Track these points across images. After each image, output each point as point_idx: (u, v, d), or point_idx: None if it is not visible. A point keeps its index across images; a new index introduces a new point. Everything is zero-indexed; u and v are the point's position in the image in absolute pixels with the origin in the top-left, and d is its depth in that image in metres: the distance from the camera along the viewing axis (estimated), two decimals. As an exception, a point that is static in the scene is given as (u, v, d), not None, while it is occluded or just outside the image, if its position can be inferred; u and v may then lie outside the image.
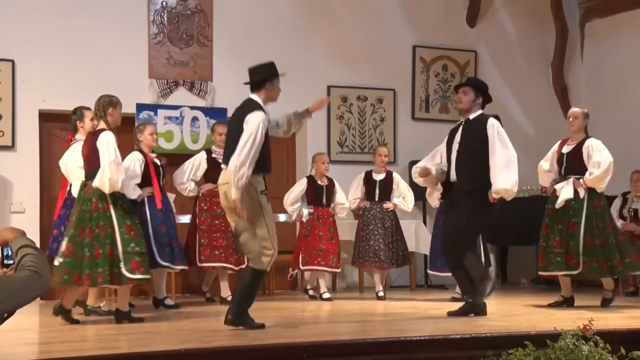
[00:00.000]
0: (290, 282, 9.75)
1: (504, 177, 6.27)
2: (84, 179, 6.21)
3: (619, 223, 8.99)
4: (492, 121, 6.46)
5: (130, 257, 5.97)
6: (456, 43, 10.72)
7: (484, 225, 6.65)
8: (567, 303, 7.24)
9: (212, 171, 7.96)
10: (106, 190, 5.96)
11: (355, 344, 4.86)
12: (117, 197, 6.08)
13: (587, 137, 7.26)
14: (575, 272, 7.02)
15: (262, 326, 5.51)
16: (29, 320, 6.42)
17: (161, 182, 7.53)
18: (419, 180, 6.97)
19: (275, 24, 9.79)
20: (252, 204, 5.55)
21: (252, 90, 5.88)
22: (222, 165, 5.78)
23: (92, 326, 6.07)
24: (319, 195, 8.41)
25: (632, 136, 9.98)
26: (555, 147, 7.42)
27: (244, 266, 7.85)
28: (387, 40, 10.35)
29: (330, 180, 8.54)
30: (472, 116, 6.52)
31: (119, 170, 6.01)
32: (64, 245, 6.05)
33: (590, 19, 10.87)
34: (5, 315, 2.80)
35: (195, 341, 5.00)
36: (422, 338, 4.98)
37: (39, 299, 8.26)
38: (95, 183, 5.98)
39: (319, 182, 8.43)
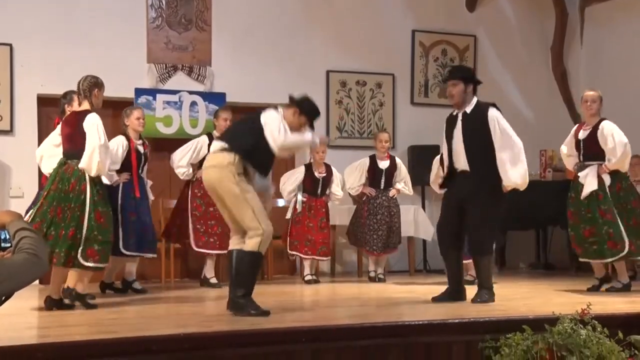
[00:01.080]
0: (289, 267, 9.77)
1: (514, 171, 6.22)
2: (62, 157, 6.10)
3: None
4: (492, 113, 6.31)
5: (89, 244, 5.89)
6: (455, 28, 10.69)
7: (501, 215, 6.51)
8: (605, 282, 7.24)
9: None
10: (92, 172, 5.89)
11: (354, 328, 4.87)
12: (96, 182, 6.01)
13: (601, 119, 7.20)
14: (623, 254, 6.98)
15: (267, 313, 5.40)
16: (27, 304, 6.43)
17: (140, 170, 7.51)
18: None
19: (274, 9, 9.75)
20: (231, 187, 5.50)
21: (288, 104, 5.82)
22: (215, 143, 5.77)
23: (91, 311, 6.07)
24: (315, 186, 8.44)
25: (632, 121, 9.94)
26: (572, 131, 7.38)
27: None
28: (386, 24, 10.32)
29: (329, 170, 8.52)
30: (469, 109, 6.36)
31: (107, 155, 5.98)
32: (28, 218, 5.88)
33: (589, 3, 10.84)
34: (3, 298, 2.80)
35: (194, 325, 5.01)
36: (421, 322, 4.99)
37: (37, 282, 8.27)
38: (82, 164, 5.90)
39: (316, 173, 8.43)
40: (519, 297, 6.85)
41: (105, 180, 6.51)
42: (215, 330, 4.72)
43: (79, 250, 5.86)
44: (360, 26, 10.15)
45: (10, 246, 2.86)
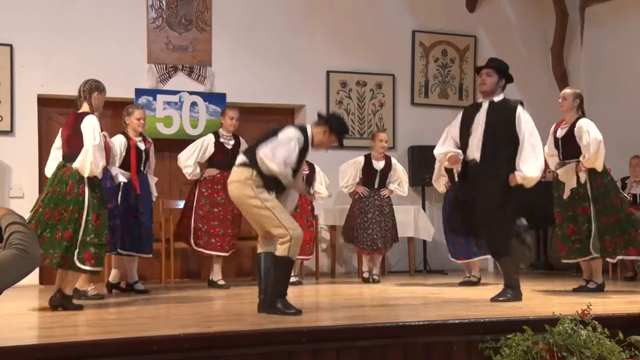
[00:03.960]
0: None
1: (533, 165, 6.24)
2: (61, 160, 6.12)
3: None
4: (520, 109, 6.39)
5: (86, 247, 5.89)
6: (456, 28, 10.69)
7: (512, 210, 6.47)
8: (599, 288, 7.22)
9: (218, 155, 7.96)
10: (85, 173, 5.89)
11: (354, 329, 4.86)
12: (95, 184, 6.01)
13: (579, 117, 7.21)
14: (598, 255, 6.98)
15: (299, 312, 5.44)
16: (28, 305, 6.44)
17: (142, 167, 7.51)
18: (445, 164, 7.03)
19: (274, 9, 9.76)
20: (251, 201, 5.56)
21: (317, 122, 5.80)
22: (239, 157, 5.75)
23: (92, 311, 6.07)
24: None
25: (632, 121, 9.97)
26: (551, 130, 7.40)
27: (232, 251, 8.04)
28: (386, 25, 10.32)
29: (312, 167, 8.50)
30: (496, 99, 6.44)
31: (101, 156, 5.97)
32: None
33: (590, 3, 10.85)
34: None
35: (194, 326, 5.01)
36: (421, 323, 4.99)
37: (38, 283, 8.29)
38: (76, 164, 5.91)
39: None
40: (519, 297, 6.84)
41: (118, 180, 6.60)
42: (215, 331, 4.72)
43: (75, 253, 5.86)
44: (360, 26, 10.15)
45: None
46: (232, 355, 4.40)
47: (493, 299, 6.25)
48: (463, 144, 6.47)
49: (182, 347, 4.30)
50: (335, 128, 5.77)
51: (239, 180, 5.58)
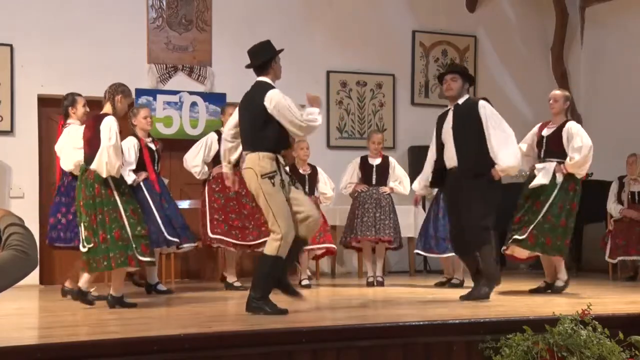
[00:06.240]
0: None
1: (507, 154, 6.39)
2: (83, 163, 6.20)
3: (618, 207, 8.97)
4: (482, 103, 6.57)
5: (139, 240, 6.05)
6: (456, 28, 10.69)
7: (496, 205, 6.57)
8: (550, 288, 7.18)
9: None
10: (103, 174, 5.97)
11: (355, 329, 4.87)
12: (120, 182, 6.13)
13: (567, 120, 7.17)
14: (520, 238, 6.94)
15: (284, 312, 5.45)
16: (29, 304, 6.44)
17: (155, 167, 7.52)
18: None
19: (274, 9, 9.76)
20: (254, 188, 5.58)
21: (259, 73, 5.86)
22: (244, 152, 5.77)
23: (92, 311, 6.08)
24: (302, 184, 8.27)
25: (632, 121, 9.98)
26: (535, 129, 7.33)
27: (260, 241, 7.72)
28: (386, 25, 10.32)
29: (314, 169, 8.47)
30: (460, 101, 6.59)
31: (117, 155, 6.02)
32: (84, 232, 6.06)
33: (590, 3, 10.85)
34: None
35: (194, 326, 5.01)
36: (421, 323, 4.99)
37: (38, 283, 8.29)
38: (93, 165, 5.99)
39: (300, 170, 8.35)
40: (519, 297, 6.84)
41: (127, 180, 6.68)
42: (215, 331, 4.72)
43: (134, 249, 6.02)
44: (360, 26, 10.15)
45: None
46: (232, 355, 4.41)
47: (463, 298, 6.39)
48: (440, 153, 6.65)
49: (182, 347, 4.30)
50: (271, 55, 5.86)
51: (248, 166, 5.62)
